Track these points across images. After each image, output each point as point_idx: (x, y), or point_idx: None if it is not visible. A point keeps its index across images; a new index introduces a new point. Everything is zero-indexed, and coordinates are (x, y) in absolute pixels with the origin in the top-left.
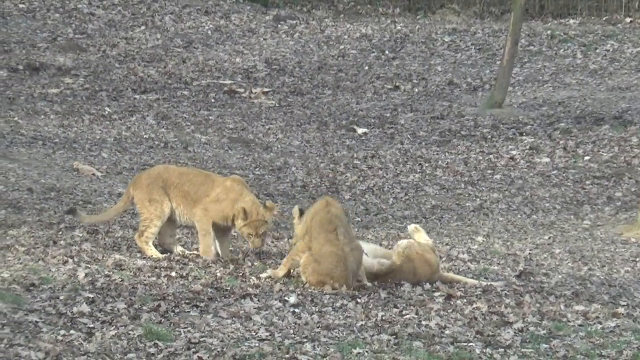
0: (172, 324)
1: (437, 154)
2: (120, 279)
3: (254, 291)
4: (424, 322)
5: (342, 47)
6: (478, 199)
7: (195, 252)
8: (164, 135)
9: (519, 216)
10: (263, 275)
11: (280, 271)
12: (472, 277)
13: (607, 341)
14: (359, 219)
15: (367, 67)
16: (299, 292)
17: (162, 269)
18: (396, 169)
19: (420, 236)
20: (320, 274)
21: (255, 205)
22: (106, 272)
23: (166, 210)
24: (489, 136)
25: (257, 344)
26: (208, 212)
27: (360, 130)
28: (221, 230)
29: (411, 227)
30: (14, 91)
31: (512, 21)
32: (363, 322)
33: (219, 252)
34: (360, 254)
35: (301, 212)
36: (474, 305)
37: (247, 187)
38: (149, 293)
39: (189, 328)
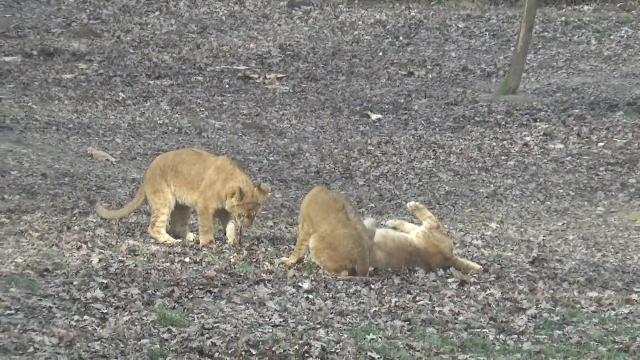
0: (185, 310)
1: (451, 140)
2: (134, 265)
3: (268, 277)
4: (437, 309)
5: (356, 33)
6: (492, 186)
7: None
8: (178, 121)
9: (532, 203)
10: (277, 260)
11: (292, 259)
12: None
13: (620, 328)
14: (373, 205)
15: (381, 53)
16: (312, 278)
17: (176, 255)
18: (410, 155)
19: (424, 214)
20: (338, 259)
21: (251, 187)
22: (120, 258)
23: (169, 197)
24: (503, 122)
25: (270, 330)
26: (207, 203)
27: (374, 117)
28: (225, 213)
29: (412, 205)
30: (28, 77)
31: (526, 7)
32: (377, 308)
33: (228, 236)
34: (371, 232)
35: None
36: (488, 292)
37: (240, 167)
38: (162, 279)
39: (203, 314)
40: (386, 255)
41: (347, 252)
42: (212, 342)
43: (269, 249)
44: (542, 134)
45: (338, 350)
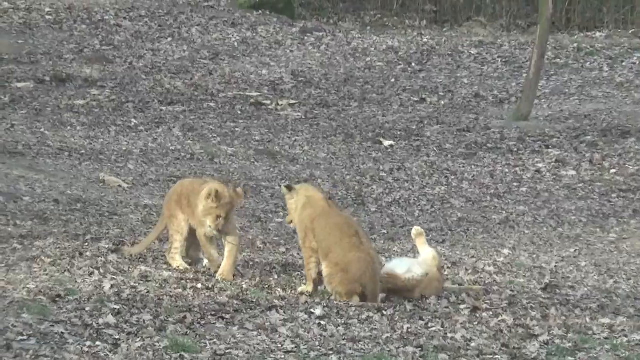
0: (198, 336)
1: (463, 167)
2: (146, 291)
3: (280, 303)
4: (449, 335)
5: (368, 59)
6: (504, 212)
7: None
8: (190, 147)
9: (545, 229)
10: (299, 290)
11: (308, 287)
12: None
13: (632, 354)
14: (385, 231)
15: (393, 80)
16: (324, 304)
17: (188, 281)
18: (422, 182)
19: (422, 241)
20: (348, 282)
21: (226, 189)
22: (132, 284)
23: (182, 224)
24: (515, 149)
25: (282, 356)
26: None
27: (386, 143)
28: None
29: (417, 230)
30: (40, 102)
31: (538, 34)
32: (389, 335)
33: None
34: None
35: (289, 188)
36: (500, 318)
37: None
38: (174, 305)
39: (215, 340)
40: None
41: (358, 275)
42: None
43: (282, 275)
44: (554, 160)
45: None
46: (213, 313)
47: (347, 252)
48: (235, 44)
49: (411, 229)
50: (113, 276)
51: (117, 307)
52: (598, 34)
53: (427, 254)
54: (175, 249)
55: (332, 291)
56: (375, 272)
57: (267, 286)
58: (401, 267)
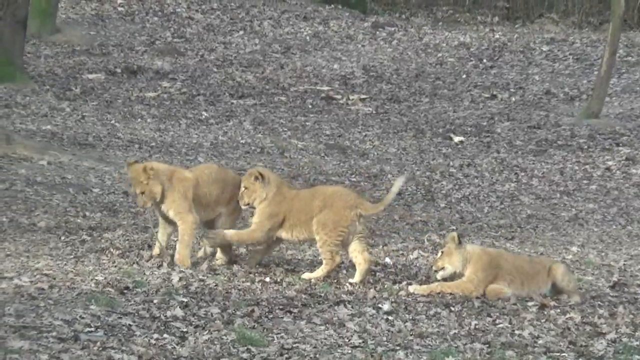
0: (265, 330)
1: (533, 164)
2: (214, 284)
3: (348, 298)
4: (517, 332)
5: (440, 55)
6: (573, 209)
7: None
8: (260, 141)
9: (614, 227)
10: (410, 289)
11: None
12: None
13: None
14: (454, 227)
15: (464, 76)
16: (392, 300)
17: (256, 274)
18: (492, 178)
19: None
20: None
21: (142, 165)
22: (200, 277)
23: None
24: (586, 146)
25: (349, 351)
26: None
27: (456, 139)
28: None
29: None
30: (111, 94)
31: (610, 31)
32: (456, 331)
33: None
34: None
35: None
36: (568, 316)
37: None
38: (242, 298)
39: (282, 334)
40: None
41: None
42: None
43: (350, 270)
44: (624, 158)
45: None
46: (281, 307)
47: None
48: (307, 38)
49: (481, 225)
50: (181, 269)
51: (184, 299)
52: None
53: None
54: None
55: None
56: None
57: (335, 281)
58: None
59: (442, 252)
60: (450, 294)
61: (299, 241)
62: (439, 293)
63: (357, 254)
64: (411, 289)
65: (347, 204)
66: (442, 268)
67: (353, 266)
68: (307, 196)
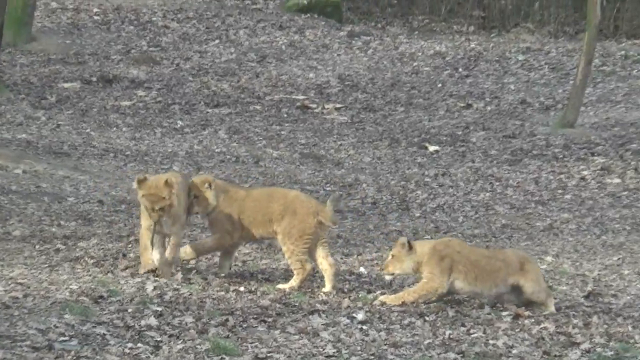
0: (239, 339)
1: (508, 173)
2: (188, 293)
3: (322, 307)
4: (491, 341)
5: (415, 64)
6: (548, 219)
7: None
8: (235, 150)
9: (588, 237)
10: (382, 298)
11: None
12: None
13: None
14: (429, 237)
15: (440, 85)
16: (366, 309)
17: (230, 284)
18: (467, 187)
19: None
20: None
21: (158, 179)
22: (174, 286)
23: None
24: (561, 156)
25: None
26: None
27: (431, 148)
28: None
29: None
30: (86, 103)
31: (586, 41)
32: (430, 340)
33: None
34: None
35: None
36: (542, 325)
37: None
38: (216, 307)
39: (257, 343)
40: None
41: None
42: None
43: (323, 279)
44: (599, 168)
45: None
46: (255, 316)
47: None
48: (283, 47)
49: (456, 235)
50: (156, 278)
51: (159, 309)
52: None
53: None
54: None
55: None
56: None
57: (309, 290)
58: None
59: (392, 255)
60: (423, 299)
61: (257, 240)
62: (410, 299)
63: (322, 259)
64: (382, 298)
65: (309, 210)
66: (392, 274)
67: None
68: (263, 197)
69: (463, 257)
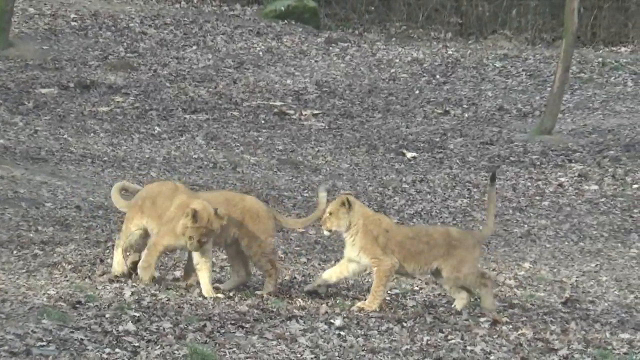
0: (217, 345)
1: (486, 180)
2: (166, 299)
3: (300, 313)
4: (469, 347)
5: (393, 70)
6: (526, 225)
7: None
8: (213, 156)
9: (566, 243)
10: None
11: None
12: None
13: None
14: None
15: (417, 91)
16: (344, 315)
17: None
18: (444, 194)
19: None
20: None
21: (208, 210)
22: (152, 291)
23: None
24: (538, 162)
25: None
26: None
27: (409, 155)
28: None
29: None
30: (64, 109)
31: (563, 48)
32: (408, 346)
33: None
34: None
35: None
36: (520, 332)
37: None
38: (194, 313)
39: (234, 349)
40: None
41: None
42: None
43: (302, 285)
44: (576, 174)
45: None
46: (233, 322)
47: None
48: (260, 53)
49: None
50: (134, 283)
51: (137, 314)
52: (623, 48)
53: None
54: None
55: None
56: None
57: (287, 296)
58: None
59: (330, 213)
60: (388, 282)
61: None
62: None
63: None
64: (359, 305)
65: (268, 212)
66: (330, 230)
67: (305, 281)
68: (218, 200)
69: (391, 237)
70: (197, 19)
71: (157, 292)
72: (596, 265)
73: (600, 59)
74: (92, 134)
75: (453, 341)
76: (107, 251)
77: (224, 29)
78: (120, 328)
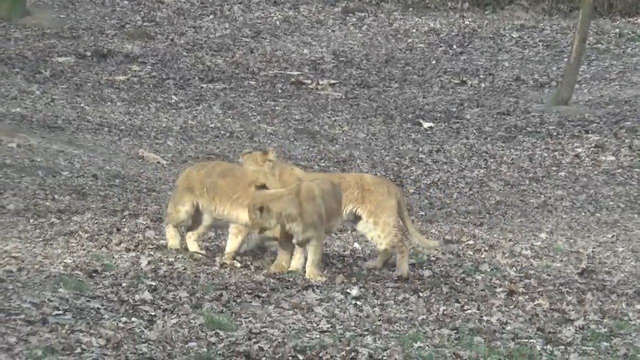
0: (233, 314)
1: (502, 150)
2: (182, 268)
3: (316, 282)
4: (485, 318)
5: (410, 40)
6: (542, 196)
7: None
8: (229, 125)
9: (582, 214)
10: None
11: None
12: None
13: None
14: (423, 213)
15: (434, 62)
16: (361, 285)
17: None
18: (461, 164)
19: None
20: None
21: None
22: (169, 260)
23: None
24: (555, 133)
25: (318, 336)
26: None
27: (426, 125)
28: None
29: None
30: (81, 77)
31: (580, 19)
32: (424, 316)
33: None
34: None
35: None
36: (536, 302)
37: None
38: (211, 282)
39: (251, 318)
40: None
41: None
42: (259, 347)
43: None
44: (593, 145)
45: (385, 357)
46: (249, 291)
47: None
48: (277, 22)
49: (450, 211)
50: (150, 252)
51: (153, 283)
52: None
53: None
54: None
55: None
56: None
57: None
58: None
59: None
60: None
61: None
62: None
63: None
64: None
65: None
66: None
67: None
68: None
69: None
70: None
71: (174, 261)
72: (612, 236)
73: (617, 30)
74: (109, 103)
75: (469, 311)
76: (124, 220)
77: None
78: (137, 297)
